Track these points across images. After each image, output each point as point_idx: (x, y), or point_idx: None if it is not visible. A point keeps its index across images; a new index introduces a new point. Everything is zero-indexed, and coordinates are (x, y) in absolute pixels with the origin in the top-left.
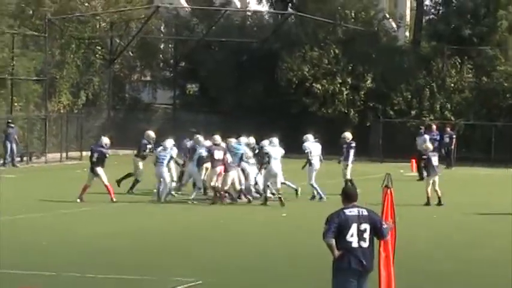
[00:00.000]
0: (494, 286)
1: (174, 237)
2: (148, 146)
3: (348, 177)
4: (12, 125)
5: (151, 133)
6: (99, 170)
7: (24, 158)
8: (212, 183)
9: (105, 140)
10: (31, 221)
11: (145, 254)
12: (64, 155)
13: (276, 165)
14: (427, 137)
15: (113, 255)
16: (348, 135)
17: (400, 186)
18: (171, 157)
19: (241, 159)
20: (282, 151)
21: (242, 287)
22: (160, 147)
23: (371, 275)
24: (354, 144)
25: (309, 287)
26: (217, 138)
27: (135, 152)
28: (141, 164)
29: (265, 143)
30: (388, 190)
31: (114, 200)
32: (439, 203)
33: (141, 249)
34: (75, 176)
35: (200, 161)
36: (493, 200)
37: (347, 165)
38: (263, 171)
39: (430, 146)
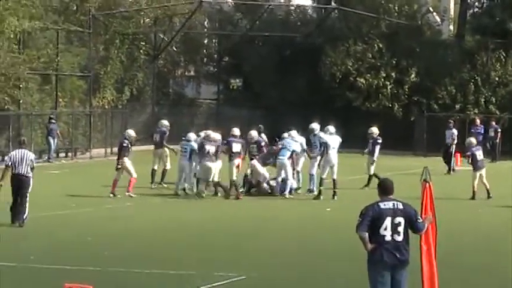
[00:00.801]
0: None
1: (215, 231)
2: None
3: (372, 172)
4: (54, 121)
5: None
6: (128, 162)
7: (69, 154)
8: (232, 177)
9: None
10: (75, 216)
11: (188, 249)
12: (109, 150)
13: (334, 154)
14: (455, 131)
15: (156, 250)
16: (375, 130)
17: (443, 180)
18: (192, 150)
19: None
20: (339, 139)
21: (285, 282)
22: (184, 140)
23: (413, 269)
24: (380, 140)
25: (353, 282)
26: (236, 130)
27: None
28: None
29: (285, 135)
30: (427, 184)
31: (132, 195)
32: (488, 196)
33: (183, 244)
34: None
35: (191, 155)
36: None
37: (373, 160)
38: (319, 161)
39: (473, 140)
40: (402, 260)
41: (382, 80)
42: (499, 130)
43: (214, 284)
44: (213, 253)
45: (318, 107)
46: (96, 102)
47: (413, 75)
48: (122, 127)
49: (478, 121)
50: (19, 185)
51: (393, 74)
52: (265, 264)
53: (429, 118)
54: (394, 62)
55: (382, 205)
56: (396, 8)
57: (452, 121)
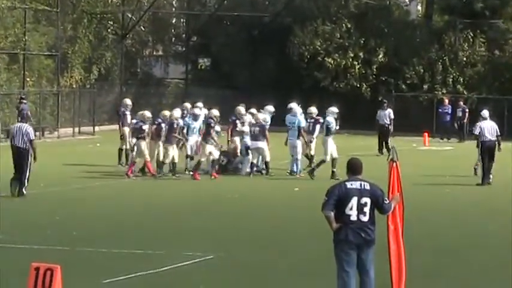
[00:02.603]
0: (500, 258)
1: (184, 211)
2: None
3: (313, 152)
4: (25, 101)
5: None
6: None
7: (37, 133)
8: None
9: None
10: (43, 195)
11: (156, 229)
12: (77, 130)
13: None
14: (389, 111)
15: (124, 230)
16: (314, 109)
17: (412, 159)
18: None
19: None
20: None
21: (253, 262)
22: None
23: (380, 249)
24: (321, 120)
25: (319, 260)
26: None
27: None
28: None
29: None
30: (394, 164)
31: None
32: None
33: (152, 224)
34: (87, 151)
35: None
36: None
37: (311, 140)
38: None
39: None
40: (368, 240)
41: (350, 60)
42: (467, 110)
43: (181, 264)
44: (181, 233)
45: (287, 87)
46: (64, 82)
47: (381, 55)
48: (89, 106)
49: (446, 101)
50: (17, 156)
51: (361, 54)
52: (233, 244)
53: (397, 98)
54: (362, 42)
55: (349, 185)
56: None
57: (386, 101)
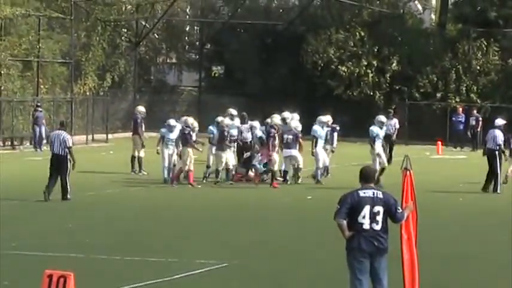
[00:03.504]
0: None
1: (199, 219)
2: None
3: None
4: (40, 109)
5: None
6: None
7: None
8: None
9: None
10: (56, 203)
11: (170, 236)
12: (90, 137)
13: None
14: (395, 120)
15: (139, 238)
16: (329, 118)
17: (425, 168)
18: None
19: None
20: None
21: (268, 270)
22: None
23: (394, 258)
24: (338, 128)
25: (333, 269)
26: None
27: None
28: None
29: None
30: (408, 172)
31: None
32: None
33: (165, 232)
34: (100, 158)
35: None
36: None
37: (333, 149)
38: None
39: None
40: (380, 248)
41: (364, 68)
42: (480, 119)
43: (195, 272)
44: (195, 241)
45: (300, 95)
46: (78, 89)
47: (394, 64)
48: (103, 114)
49: (460, 110)
50: (56, 163)
51: (375, 62)
52: (247, 252)
53: (410, 106)
54: (375, 50)
55: (361, 193)
56: None
57: (392, 110)
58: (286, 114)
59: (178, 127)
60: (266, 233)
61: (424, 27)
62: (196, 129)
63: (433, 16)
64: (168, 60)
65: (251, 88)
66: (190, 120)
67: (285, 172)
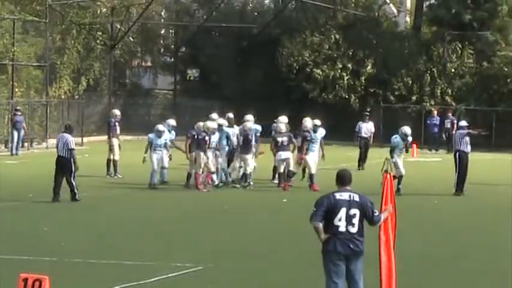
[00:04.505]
0: (494, 270)
1: (176, 222)
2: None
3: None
4: (20, 113)
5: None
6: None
7: (25, 144)
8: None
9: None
10: (32, 206)
11: (146, 240)
12: None
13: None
14: (371, 124)
15: (115, 241)
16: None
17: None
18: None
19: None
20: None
21: (242, 273)
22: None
23: (371, 260)
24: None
25: (308, 272)
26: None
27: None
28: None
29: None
30: (388, 175)
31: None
32: None
33: (142, 235)
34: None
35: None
36: (496, 186)
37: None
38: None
39: None
40: (356, 251)
41: (339, 71)
42: (455, 121)
43: (170, 275)
44: (171, 244)
45: (276, 98)
46: (53, 92)
47: (369, 67)
48: (78, 117)
49: (434, 112)
50: (60, 165)
51: (350, 65)
52: (223, 255)
53: (385, 109)
54: (350, 53)
55: (338, 196)
56: None
57: (368, 113)
58: (283, 118)
59: (166, 132)
60: (242, 236)
61: (399, 30)
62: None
63: (407, 19)
64: (143, 64)
65: (226, 91)
66: (209, 124)
67: (280, 174)
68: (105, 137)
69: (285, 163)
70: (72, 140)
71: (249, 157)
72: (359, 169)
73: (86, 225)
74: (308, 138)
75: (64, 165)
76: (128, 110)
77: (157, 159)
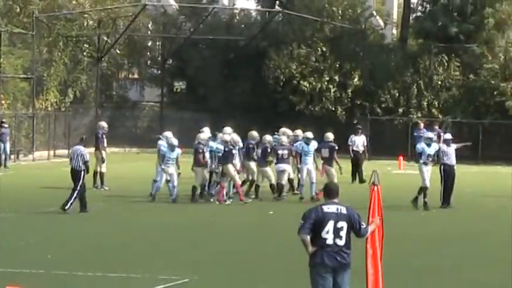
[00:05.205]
0: (481, 282)
1: (162, 235)
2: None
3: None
4: (6, 125)
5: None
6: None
7: (12, 156)
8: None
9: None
10: (19, 218)
11: (132, 252)
12: (52, 152)
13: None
14: (363, 137)
15: (102, 253)
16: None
17: (387, 183)
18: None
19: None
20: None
21: (228, 285)
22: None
23: (358, 273)
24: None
25: (296, 284)
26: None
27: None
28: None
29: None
30: (375, 187)
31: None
32: None
33: (128, 247)
34: (62, 174)
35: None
36: (482, 198)
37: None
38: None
39: None
40: (343, 264)
41: (326, 83)
42: (442, 134)
43: (156, 287)
44: (158, 257)
45: (263, 111)
46: (40, 105)
47: (356, 79)
48: (65, 129)
49: (421, 125)
50: (73, 177)
51: (336, 77)
52: (209, 267)
53: (372, 121)
54: (337, 65)
55: (325, 208)
56: (340, 11)
57: (360, 126)
58: (286, 130)
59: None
60: (228, 248)
61: (386, 42)
62: (240, 144)
63: (394, 31)
64: (130, 76)
65: (213, 103)
66: (235, 137)
67: (279, 185)
68: (92, 149)
69: (285, 175)
70: (86, 152)
71: (268, 169)
72: (352, 182)
73: (73, 237)
74: (336, 148)
75: (77, 177)
76: (115, 122)
77: (167, 174)
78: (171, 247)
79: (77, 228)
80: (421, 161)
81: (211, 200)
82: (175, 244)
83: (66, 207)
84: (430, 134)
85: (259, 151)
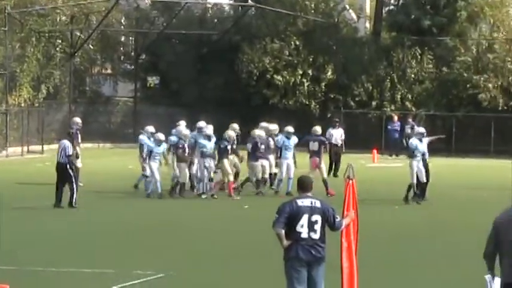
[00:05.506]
0: (455, 277)
1: (137, 230)
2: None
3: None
4: None
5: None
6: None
7: None
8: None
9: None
10: None
11: (108, 247)
12: (25, 148)
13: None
14: (341, 130)
15: (75, 249)
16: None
17: (360, 176)
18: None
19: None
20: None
21: (204, 280)
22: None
23: (333, 266)
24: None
25: (271, 279)
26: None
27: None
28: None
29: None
30: (350, 181)
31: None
32: None
33: (103, 243)
34: (36, 170)
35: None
36: (456, 191)
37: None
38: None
39: None
40: (318, 257)
41: (299, 77)
42: (416, 126)
43: (131, 282)
44: (133, 252)
45: (236, 105)
46: (13, 101)
47: (330, 73)
48: (38, 125)
49: (395, 118)
50: (59, 171)
51: (310, 71)
52: (184, 262)
53: (346, 115)
54: (311, 59)
55: (299, 202)
56: (313, 5)
57: (338, 120)
58: (271, 126)
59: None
60: (203, 244)
61: (359, 36)
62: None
63: (367, 25)
64: (103, 71)
65: (187, 98)
66: (231, 134)
67: (259, 181)
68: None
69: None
70: (69, 145)
71: (257, 164)
72: (328, 175)
73: (47, 233)
74: (326, 142)
75: (63, 171)
76: (88, 118)
77: (157, 168)
78: (148, 243)
79: (52, 224)
80: (413, 157)
81: (204, 196)
82: (151, 240)
83: (74, 204)
84: (421, 129)
85: (249, 146)
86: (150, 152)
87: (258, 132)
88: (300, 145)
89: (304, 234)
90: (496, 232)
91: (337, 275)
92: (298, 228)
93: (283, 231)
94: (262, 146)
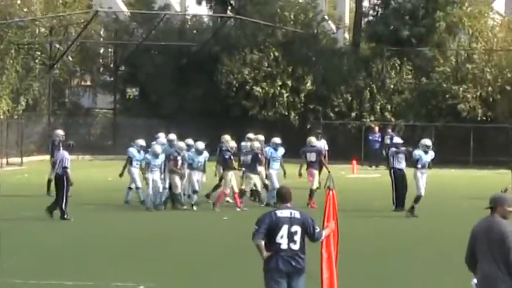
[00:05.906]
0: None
1: (119, 243)
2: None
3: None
4: None
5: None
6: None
7: None
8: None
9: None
10: None
11: (89, 260)
12: (4, 161)
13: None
14: (323, 142)
15: (57, 261)
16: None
17: (340, 187)
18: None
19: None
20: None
21: None
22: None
23: (313, 277)
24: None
25: None
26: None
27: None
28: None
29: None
30: (330, 191)
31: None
32: None
33: (83, 255)
34: (15, 182)
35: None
36: (435, 201)
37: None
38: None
39: None
40: (298, 268)
41: (279, 88)
42: (395, 137)
43: None
44: (112, 264)
45: (216, 116)
46: None
47: (309, 84)
48: (17, 137)
49: (376, 129)
50: (56, 182)
51: (289, 82)
52: (163, 274)
53: (325, 126)
54: (290, 70)
55: (279, 213)
56: (292, 16)
57: (320, 131)
58: (259, 137)
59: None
60: (182, 255)
61: (338, 46)
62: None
63: (346, 35)
64: (82, 83)
65: (166, 109)
66: (231, 144)
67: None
68: (46, 157)
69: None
70: (68, 157)
71: (255, 176)
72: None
73: (27, 245)
74: (323, 152)
75: (58, 182)
76: (68, 130)
77: (153, 181)
78: (129, 254)
79: (32, 236)
80: (417, 168)
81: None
82: (133, 251)
83: (65, 216)
84: (428, 141)
85: (249, 158)
86: (148, 165)
87: (257, 145)
88: (297, 156)
89: (284, 245)
90: (474, 240)
91: (318, 286)
92: (278, 239)
93: (262, 243)
94: (263, 158)
